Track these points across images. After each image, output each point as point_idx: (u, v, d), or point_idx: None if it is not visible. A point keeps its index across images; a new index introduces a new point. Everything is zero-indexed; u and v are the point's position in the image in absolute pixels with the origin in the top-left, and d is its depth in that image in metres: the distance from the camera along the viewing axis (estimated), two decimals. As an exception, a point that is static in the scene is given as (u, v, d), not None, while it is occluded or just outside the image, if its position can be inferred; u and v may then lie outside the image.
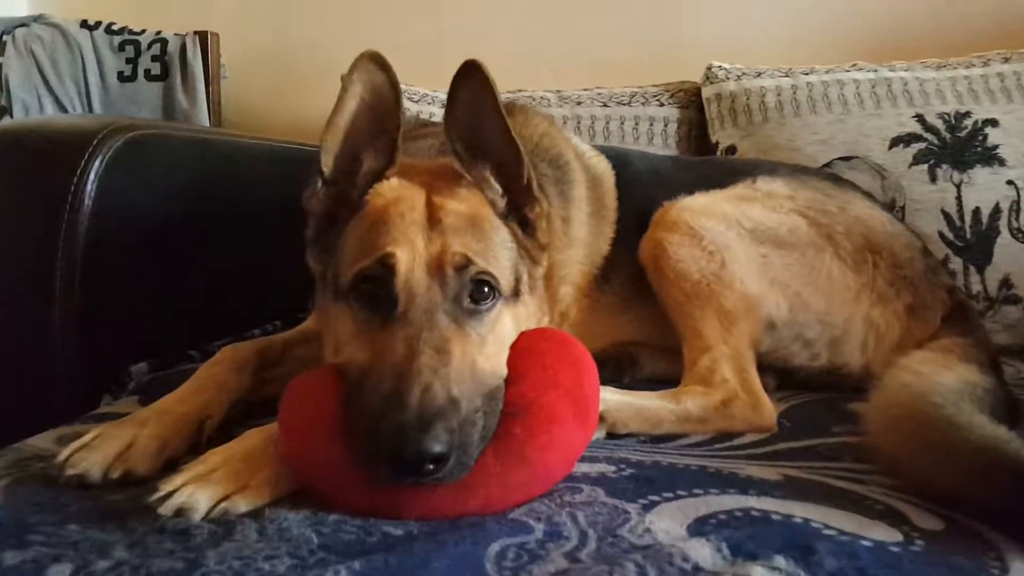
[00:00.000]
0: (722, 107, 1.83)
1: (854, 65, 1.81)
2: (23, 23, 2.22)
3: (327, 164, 0.88)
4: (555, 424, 0.72)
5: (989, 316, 1.52)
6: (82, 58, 2.16)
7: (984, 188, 1.59)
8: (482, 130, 0.86)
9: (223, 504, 0.66)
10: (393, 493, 0.65)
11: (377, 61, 0.83)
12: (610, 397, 0.93)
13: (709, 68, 1.91)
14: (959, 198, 1.59)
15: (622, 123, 1.90)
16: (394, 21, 2.31)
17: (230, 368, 0.94)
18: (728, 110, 1.82)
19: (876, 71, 1.77)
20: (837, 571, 0.56)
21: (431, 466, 0.63)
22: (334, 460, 0.67)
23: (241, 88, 2.43)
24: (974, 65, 1.73)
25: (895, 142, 1.65)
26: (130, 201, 1.13)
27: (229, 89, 2.38)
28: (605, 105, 1.94)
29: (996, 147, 1.60)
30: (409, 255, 0.77)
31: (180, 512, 0.64)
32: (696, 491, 0.71)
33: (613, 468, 0.78)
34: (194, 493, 0.66)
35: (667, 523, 0.64)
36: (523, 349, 0.80)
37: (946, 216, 1.59)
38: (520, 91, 1.99)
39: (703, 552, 0.58)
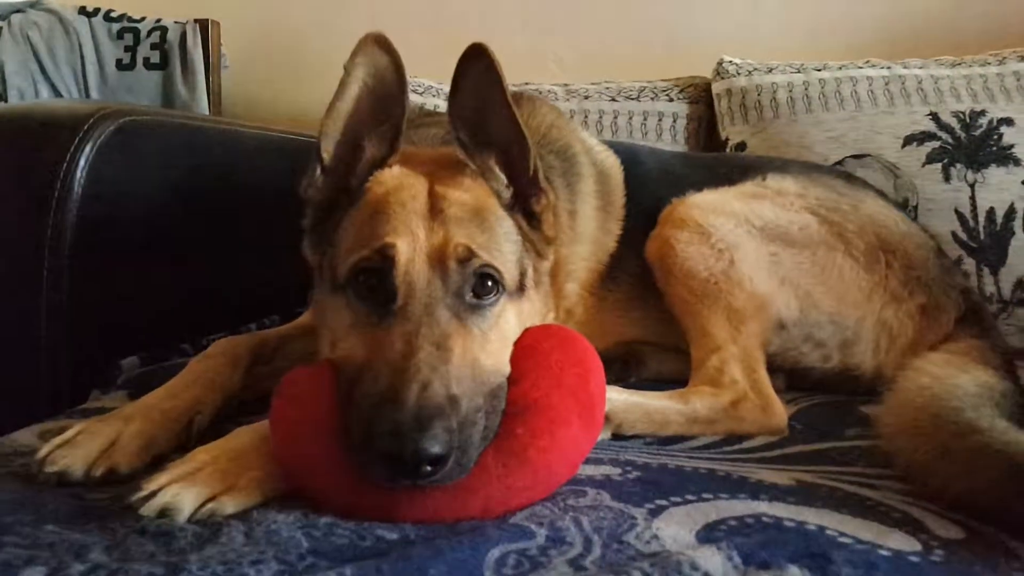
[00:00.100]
0: (732, 103, 1.81)
1: (867, 62, 1.79)
2: (20, 8, 2.20)
3: (327, 151, 0.85)
4: (559, 425, 0.70)
5: (1003, 318, 1.50)
6: (80, 45, 2.13)
7: (999, 188, 1.56)
8: (487, 117, 0.84)
9: (209, 505, 0.63)
10: (388, 495, 0.63)
11: (381, 43, 0.80)
12: (616, 397, 0.91)
13: (720, 63, 1.89)
14: (973, 198, 1.57)
15: (630, 118, 1.88)
16: (398, 11, 2.28)
17: (222, 363, 0.92)
18: (739, 106, 1.80)
19: (890, 68, 1.75)
20: (855, 582, 0.54)
21: (429, 467, 0.60)
22: (327, 460, 0.65)
23: (242, 78, 2.40)
24: (990, 63, 1.71)
25: (908, 140, 1.63)
26: (122, 189, 1.10)
27: (230, 79, 2.35)
28: (613, 100, 1.92)
29: (1012, 146, 1.58)
30: (409, 246, 0.75)
31: (163, 513, 0.62)
32: (705, 495, 0.70)
33: (619, 471, 0.76)
34: (179, 493, 0.63)
35: (675, 529, 0.62)
36: (527, 346, 0.78)
37: (960, 216, 1.57)
38: (526, 84, 1.96)
39: (713, 560, 0.56)
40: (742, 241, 1.10)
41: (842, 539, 0.61)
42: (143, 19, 2.24)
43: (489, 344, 0.74)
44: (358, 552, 0.58)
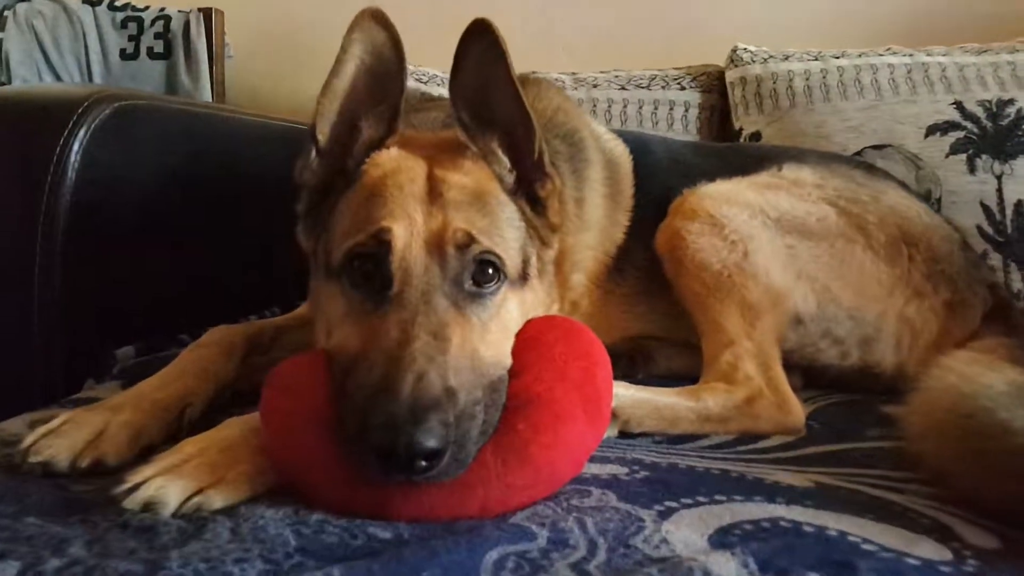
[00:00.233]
0: (747, 91, 1.77)
1: (888, 49, 1.74)
2: (25, -3, 2.19)
3: (322, 132, 0.83)
4: (563, 420, 0.67)
5: (1030, 316, 1.45)
6: (84, 35, 2.13)
7: (1027, 180, 1.52)
8: (491, 97, 0.81)
9: (195, 499, 0.61)
10: (382, 492, 0.61)
11: (379, 19, 0.78)
12: (623, 392, 0.88)
13: (734, 50, 1.85)
14: (1000, 190, 1.52)
15: (640, 107, 1.85)
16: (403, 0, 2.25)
17: (216, 352, 0.90)
18: (753, 95, 1.76)
19: (912, 55, 1.70)
20: (882, 593, 0.52)
21: (424, 462, 0.58)
22: (319, 454, 0.63)
23: (246, 67, 2.39)
24: (1018, 50, 1.66)
25: (931, 130, 1.59)
26: (118, 174, 1.08)
27: (234, 68, 2.34)
28: (623, 88, 1.89)
29: (1040, 137, 1.53)
30: (406, 230, 0.72)
31: (148, 506, 0.60)
32: (718, 497, 0.67)
33: (626, 470, 0.74)
34: (164, 486, 0.61)
35: (686, 533, 0.60)
36: (530, 338, 0.75)
37: (985, 209, 1.53)
38: (533, 73, 1.92)
39: (728, 567, 0.53)
40: (757, 232, 1.06)
41: (866, 546, 0.58)
42: (147, 8, 2.24)
43: (489, 334, 0.72)
44: (349, 551, 0.56)
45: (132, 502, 0.60)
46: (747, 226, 1.06)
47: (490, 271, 0.74)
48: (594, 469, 0.73)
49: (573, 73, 1.95)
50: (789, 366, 1.03)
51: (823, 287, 1.05)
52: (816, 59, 1.74)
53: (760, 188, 1.15)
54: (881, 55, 1.72)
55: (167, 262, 1.19)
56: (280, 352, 0.98)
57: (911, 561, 0.56)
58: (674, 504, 0.65)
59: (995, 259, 1.49)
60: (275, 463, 0.65)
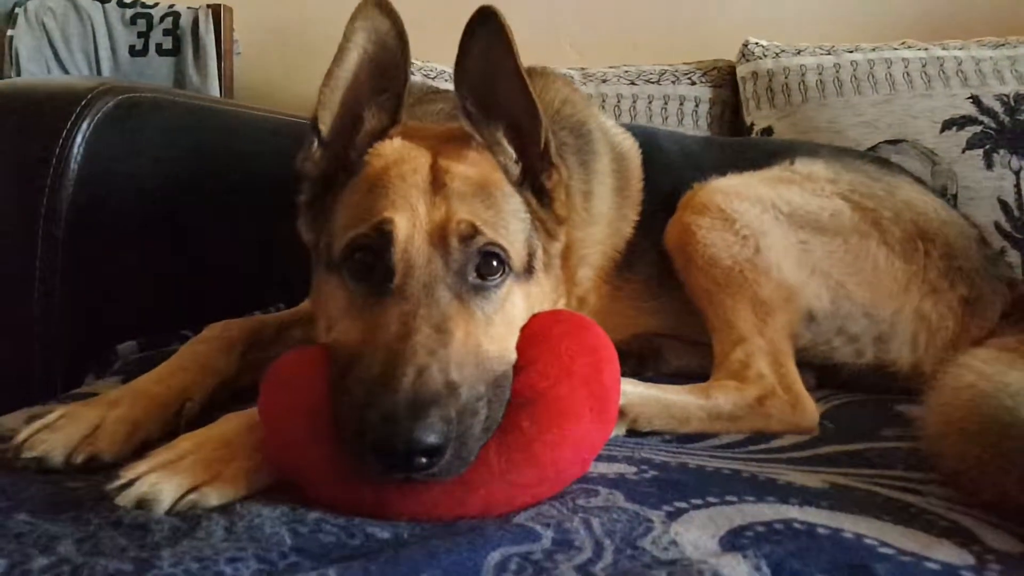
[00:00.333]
0: (758, 86, 1.75)
1: (903, 43, 1.72)
2: (36, -5, 2.20)
3: (324, 122, 0.81)
4: (568, 417, 0.66)
5: (1050, 315, 1.41)
6: (93, 31, 2.15)
7: (1046, 176, 1.49)
8: (496, 86, 0.79)
9: (190, 496, 0.59)
10: (381, 490, 0.59)
11: (382, 6, 0.77)
12: (632, 390, 0.86)
13: (745, 45, 1.83)
14: (1018, 186, 1.50)
15: (650, 102, 1.83)
16: (411, -4, 2.24)
17: (215, 347, 0.89)
18: (765, 89, 1.74)
19: (927, 49, 1.67)
20: (901, 599, 0.50)
21: (424, 459, 0.56)
22: (318, 450, 0.61)
23: (254, 64, 2.39)
24: (1037, 43, 1.62)
25: (947, 125, 1.56)
26: (121, 168, 1.07)
27: (242, 65, 2.34)
28: (632, 83, 1.87)
29: (1060, 132, 1.50)
30: (409, 222, 0.71)
31: (141, 503, 0.59)
32: (729, 498, 0.65)
33: (634, 469, 0.72)
34: (158, 483, 0.59)
35: (696, 535, 0.58)
36: (535, 332, 0.74)
37: (1003, 205, 1.50)
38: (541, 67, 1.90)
39: (739, 570, 0.52)
40: (769, 227, 1.04)
41: (883, 549, 0.56)
42: (156, 5, 2.25)
43: (493, 328, 0.70)
44: (346, 551, 0.54)
45: (125, 499, 0.59)
46: (759, 221, 1.04)
47: (494, 263, 0.73)
48: (601, 468, 0.71)
49: (582, 69, 1.93)
50: (802, 364, 1.00)
51: (837, 283, 1.03)
52: (829, 53, 1.71)
53: (772, 182, 1.13)
54: (895, 49, 1.69)
55: (170, 256, 1.19)
56: (282, 348, 0.96)
57: (930, 565, 0.54)
58: (684, 505, 0.63)
59: (1013, 256, 1.47)
60: (273, 460, 0.64)
